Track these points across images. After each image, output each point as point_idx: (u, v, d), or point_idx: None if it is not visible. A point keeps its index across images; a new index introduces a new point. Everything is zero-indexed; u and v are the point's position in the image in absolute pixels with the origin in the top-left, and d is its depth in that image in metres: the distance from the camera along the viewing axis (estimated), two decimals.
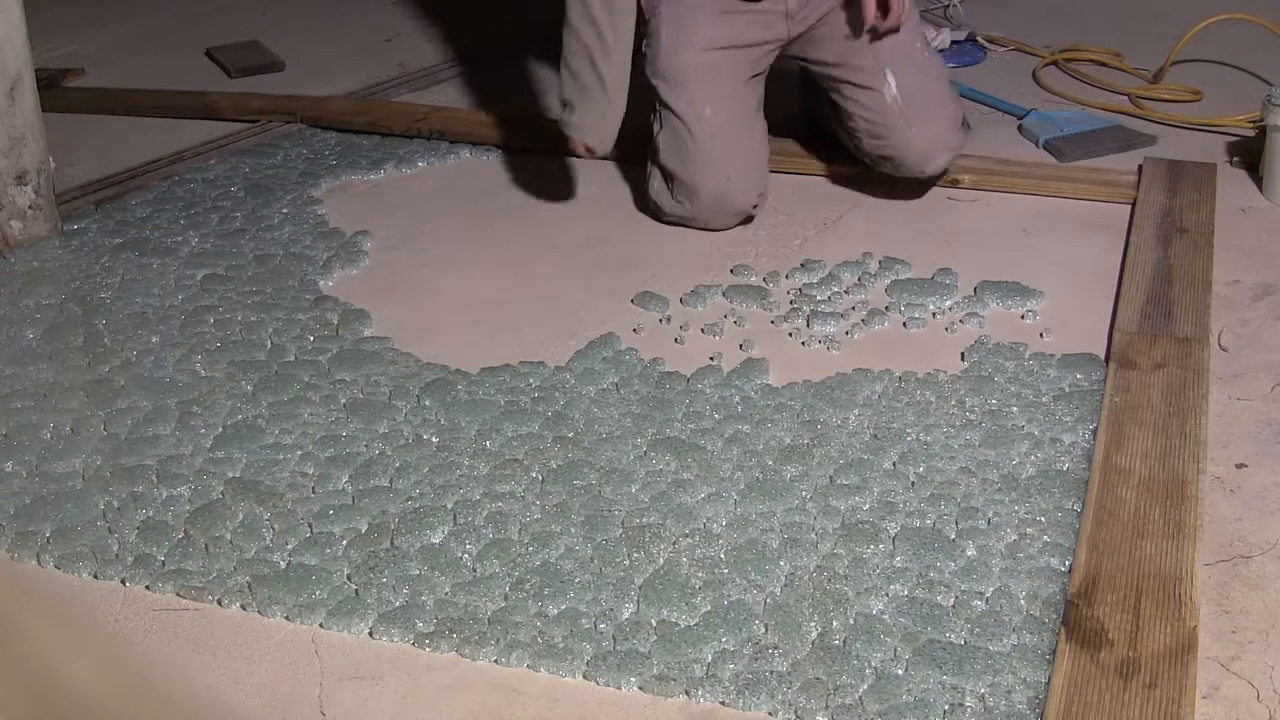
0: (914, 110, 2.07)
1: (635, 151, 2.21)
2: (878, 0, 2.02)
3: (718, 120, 2.07)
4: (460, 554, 1.38)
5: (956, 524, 1.39)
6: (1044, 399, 1.60)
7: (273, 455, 1.57)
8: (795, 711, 1.16)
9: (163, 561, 1.40)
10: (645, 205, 2.19)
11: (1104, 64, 2.86)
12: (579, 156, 2.18)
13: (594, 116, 2.07)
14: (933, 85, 2.12)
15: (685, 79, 2.08)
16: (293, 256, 2.10)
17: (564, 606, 1.30)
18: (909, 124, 2.08)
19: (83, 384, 1.74)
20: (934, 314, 1.85)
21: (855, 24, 2.07)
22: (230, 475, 1.53)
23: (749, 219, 2.14)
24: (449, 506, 1.46)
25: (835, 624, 1.25)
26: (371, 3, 3.86)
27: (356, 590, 1.34)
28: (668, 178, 2.10)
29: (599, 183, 2.34)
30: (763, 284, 1.96)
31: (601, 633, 1.26)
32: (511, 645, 1.25)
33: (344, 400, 1.68)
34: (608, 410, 1.63)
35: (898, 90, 2.07)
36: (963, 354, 1.73)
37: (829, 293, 1.91)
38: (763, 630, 1.26)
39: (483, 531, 1.41)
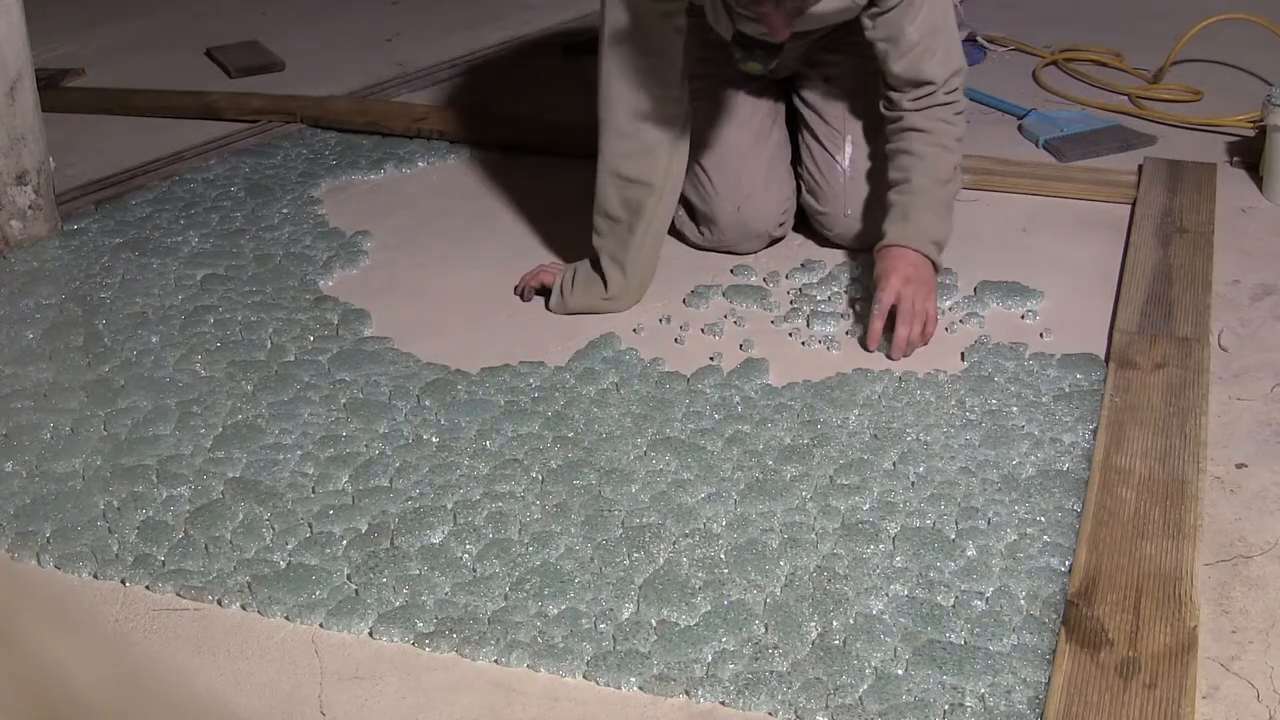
0: (857, 191, 1.95)
1: None
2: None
3: (723, 144, 1.99)
4: (460, 554, 1.38)
5: (956, 524, 1.39)
6: (1044, 399, 1.60)
7: (273, 455, 1.57)
8: (795, 711, 1.16)
9: (163, 561, 1.40)
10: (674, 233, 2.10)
11: (1104, 64, 2.86)
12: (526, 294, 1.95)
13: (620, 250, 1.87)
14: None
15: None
16: (293, 256, 2.10)
17: (564, 606, 1.30)
18: (847, 204, 1.97)
19: (83, 384, 1.74)
20: None
21: (836, 75, 1.96)
22: (230, 475, 1.53)
23: (778, 239, 2.06)
24: (449, 506, 1.46)
25: (835, 624, 1.25)
26: (371, 3, 3.86)
27: (356, 590, 1.34)
28: (690, 211, 2.05)
29: None
30: (763, 284, 1.96)
31: (601, 633, 1.26)
32: (511, 645, 1.25)
33: (344, 400, 1.68)
34: (608, 410, 1.63)
35: (849, 163, 1.96)
36: (963, 354, 1.73)
37: (829, 293, 1.91)
38: (763, 630, 1.26)
39: (483, 531, 1.41)
